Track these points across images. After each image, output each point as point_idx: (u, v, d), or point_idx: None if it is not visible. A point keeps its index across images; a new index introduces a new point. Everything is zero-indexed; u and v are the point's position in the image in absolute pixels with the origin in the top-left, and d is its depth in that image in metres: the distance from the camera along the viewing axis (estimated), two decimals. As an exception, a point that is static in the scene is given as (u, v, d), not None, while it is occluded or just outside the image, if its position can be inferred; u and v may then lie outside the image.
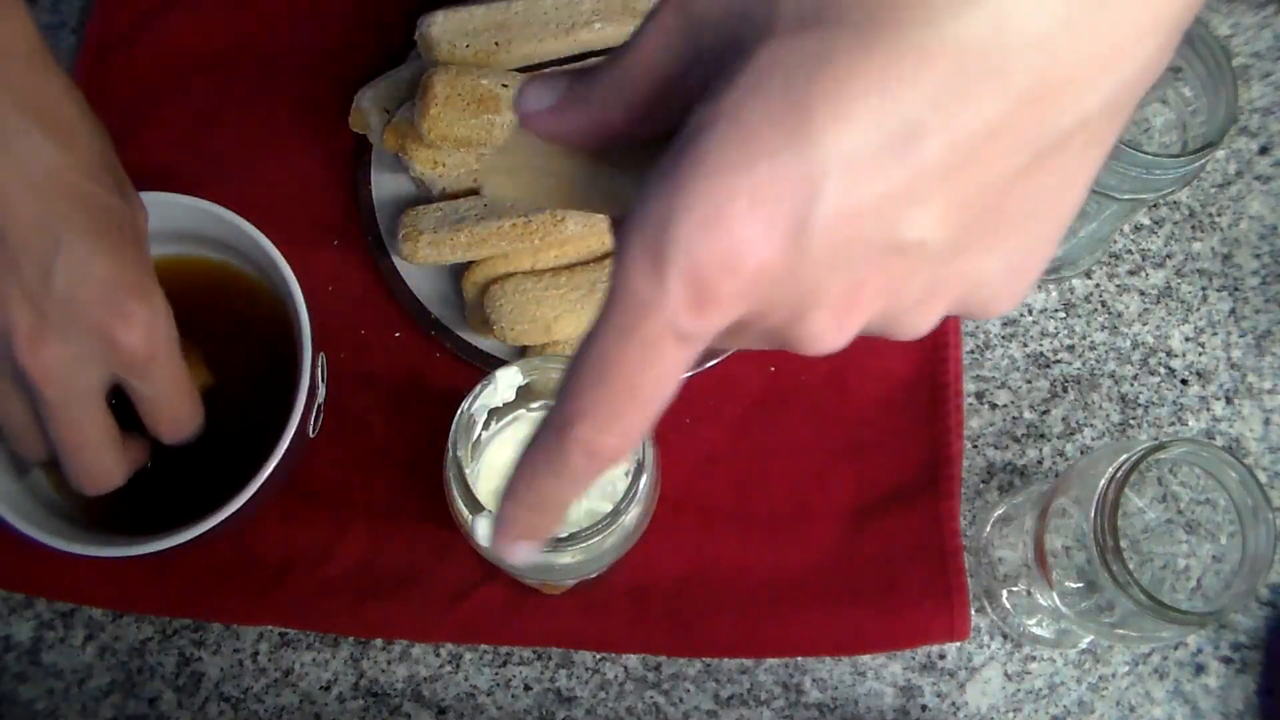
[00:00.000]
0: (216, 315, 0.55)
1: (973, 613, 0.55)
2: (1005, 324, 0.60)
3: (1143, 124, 0.53)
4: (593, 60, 0.36)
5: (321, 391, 0.51)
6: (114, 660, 0.54)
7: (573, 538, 0.40)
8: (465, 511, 0.41)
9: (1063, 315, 0.60)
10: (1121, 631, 0.46)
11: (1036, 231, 0.24)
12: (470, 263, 0.56)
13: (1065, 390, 0.59)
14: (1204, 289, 0.60)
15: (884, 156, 0.20)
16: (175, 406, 0.44)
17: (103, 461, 0.43)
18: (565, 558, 0.42)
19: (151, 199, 0.50)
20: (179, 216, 0.51)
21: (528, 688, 0.54)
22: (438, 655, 0.55)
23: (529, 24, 0.56)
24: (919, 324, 0.25)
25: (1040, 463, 0.58)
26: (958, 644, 0.55)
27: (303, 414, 0.48)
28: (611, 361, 0.22)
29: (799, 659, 0.55)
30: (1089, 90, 0.21)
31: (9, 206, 0.38)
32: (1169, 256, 0.61)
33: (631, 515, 0.42)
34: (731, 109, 0.21)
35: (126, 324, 0.40)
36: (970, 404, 0.58)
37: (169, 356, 0.42)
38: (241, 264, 0.54)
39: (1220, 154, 0.62)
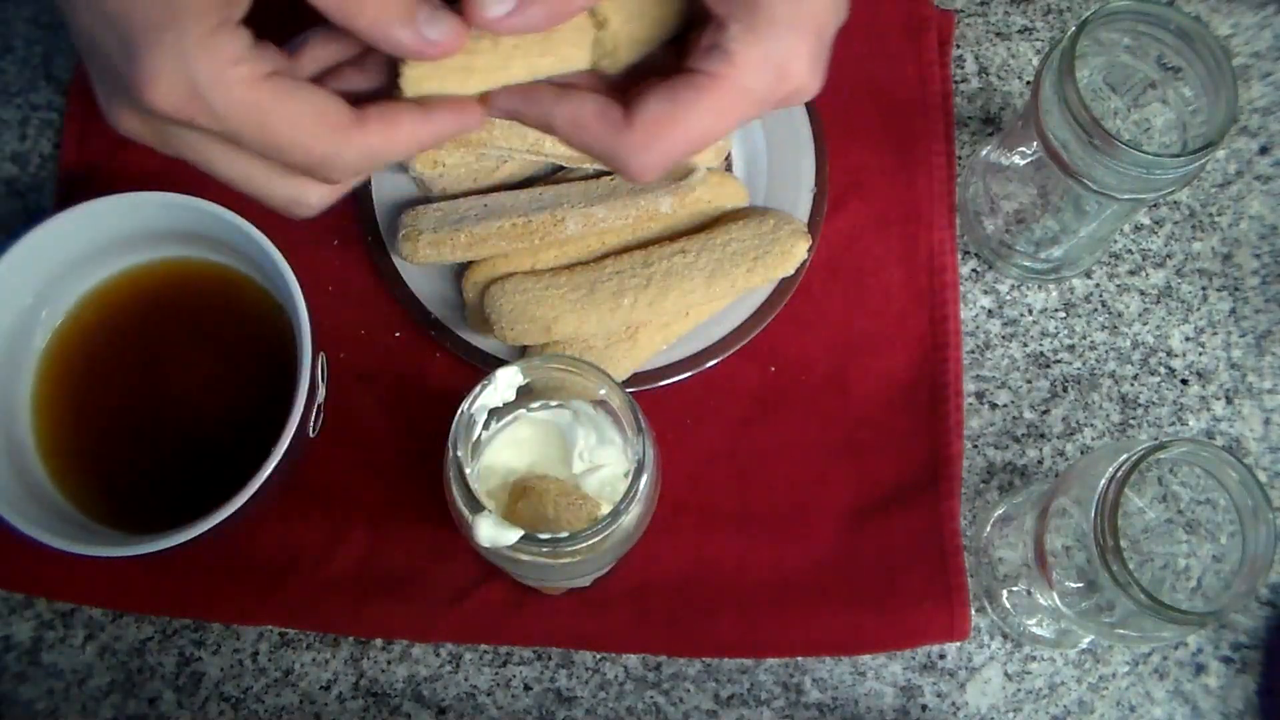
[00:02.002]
0: (217, 316, 0.55)
1: (973, 613, 0.55)
2: (1005, 324, 0.60)
3: (1143, 124, 0.53)
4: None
5: (321, 391, 0.51)
6: (114, 660, 0.54)
7: (572, 538, 0.40)
8: (465, 511, 0.41)
9: (1063, 315, 0.60)
10: (1121, 631, 0.46)
11: None
12: (470, 263, 0.56)
13: (1065, 390, 0.59)
14: (1204, 289, 0.60)
15: None
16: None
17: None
18: (565, 559, 0.42)
19: (152, 199, 0.51)
20: (179, 217, 0.51)
21: (528, 688, 0.54)
22: (438, 655, 0.55)
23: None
24: None
25: (1040, 463, 0.58)
26: (958, 644, 0.55)
27: (303, 414, 0.48)
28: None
29: (799, 659, 0.55)
30: None
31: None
32: (1169, 256, 0.61)
33: (631, 515, 0.42)
34: None
35: (142, 86, 0.33)
36: (970, 404, 0.58)
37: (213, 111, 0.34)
38: (241, 264, 0.54)
39: (1220, 154, 0.62)
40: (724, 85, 0.37)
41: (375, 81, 0.38)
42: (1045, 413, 0.58)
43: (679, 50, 0.40)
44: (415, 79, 0.36)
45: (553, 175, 0.59)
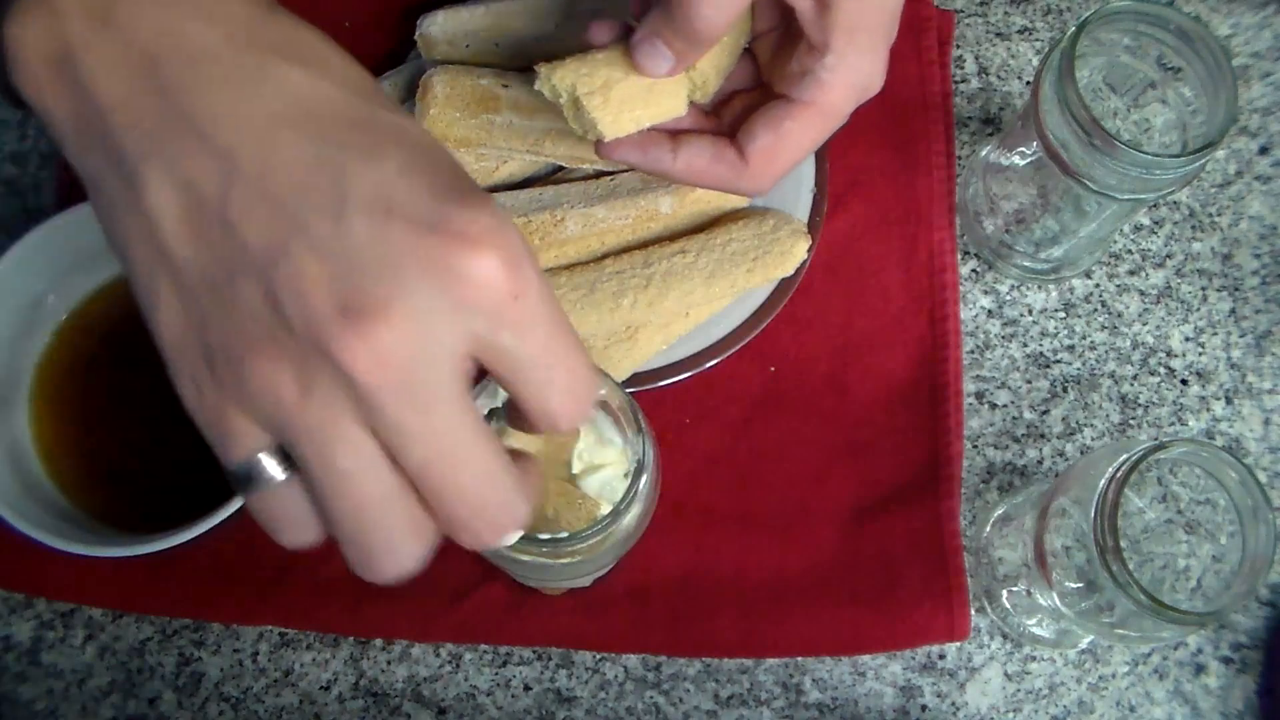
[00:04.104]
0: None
1: (973, 613, 0.55)
2: (1005, 324, 0.60)
3: (1143, 124, 0.53)
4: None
5: (322, 391, 0.51)
6: (114, 660, 0.54)
7: (572, 538, 0.40)
8: (465, 511, 0.41)
9: (1063, 315, 0.60)
10: (1121, 631, 0.46)
11: None
12: (470, 263, 0.56)
13: (1065, 390, 0.59)
14: (1204, 289, 0.60)
15: None
16: (568, 366, 0.30)
17: (508, 504, 0.31)
18: (565, 559, 0.41)
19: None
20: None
21: (528, 688, 0.54)
22: (438, 655, 0.55)
23: (529, 24, 0.56)
24: None
25: (1040, 463, 0.58)
26: (958, 644, 0.55)
27: (303, 414, 0.48)
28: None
29: (799, 659, 0.55)
30: None
31: (270, 150, 0.28)
32: (1169, 256, 0.61)
33: (631, 515, 0.42)
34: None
35: (470, 246, 0.27)
36: (970, 404, 0.58)
37: (541, 287, 0.29)
38: (242, 264, 0.54)
39: (1220, 154, 0.62)
40: (819, 110, 0.42)
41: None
42: (1045, 413, 0.58)
43: (751, 58, 0.45)
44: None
45: (553, 175, 0.59)
